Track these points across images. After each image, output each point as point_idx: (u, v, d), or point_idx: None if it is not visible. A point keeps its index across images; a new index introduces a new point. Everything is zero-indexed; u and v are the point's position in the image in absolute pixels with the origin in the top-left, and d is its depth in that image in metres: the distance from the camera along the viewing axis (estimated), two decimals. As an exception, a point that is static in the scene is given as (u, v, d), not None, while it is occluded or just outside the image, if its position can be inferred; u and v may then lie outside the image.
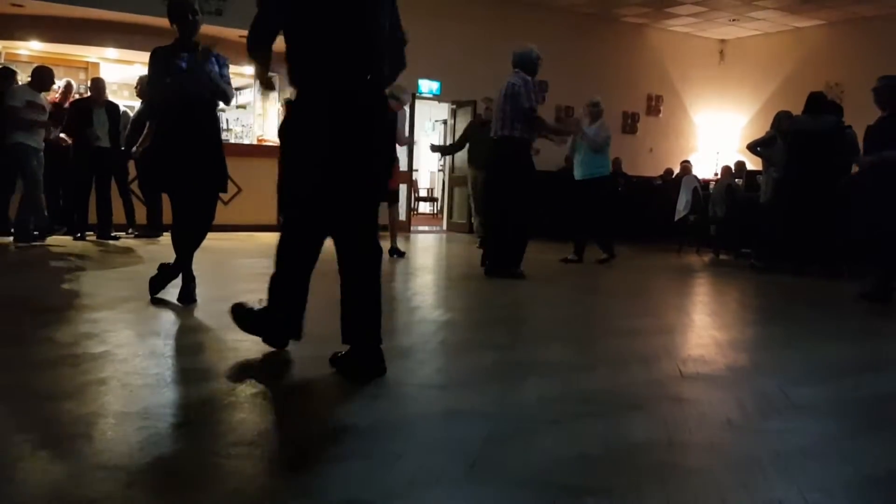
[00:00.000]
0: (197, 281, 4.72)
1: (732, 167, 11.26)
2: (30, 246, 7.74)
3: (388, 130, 3.43)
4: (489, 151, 6.90)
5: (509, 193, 6.55)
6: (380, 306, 3.23)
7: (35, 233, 7.97)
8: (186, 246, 4.69)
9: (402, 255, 8.09)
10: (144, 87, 8.88)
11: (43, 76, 8.12)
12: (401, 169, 8.75)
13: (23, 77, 8.98)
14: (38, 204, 7.89)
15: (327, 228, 3.20)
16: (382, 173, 3.41)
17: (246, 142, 12.40)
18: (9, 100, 7.73)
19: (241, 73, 11.74)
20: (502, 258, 6.60)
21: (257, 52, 3.25)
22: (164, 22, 9.61)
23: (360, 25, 3.09)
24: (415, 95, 12.08)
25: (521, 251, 6.67)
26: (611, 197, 8.72)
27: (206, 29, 10.09)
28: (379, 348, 3.17)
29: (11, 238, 7.96)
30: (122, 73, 10.97)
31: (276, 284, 3.29)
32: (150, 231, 9.08)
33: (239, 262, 7.29)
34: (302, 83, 3.12)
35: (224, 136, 12.90)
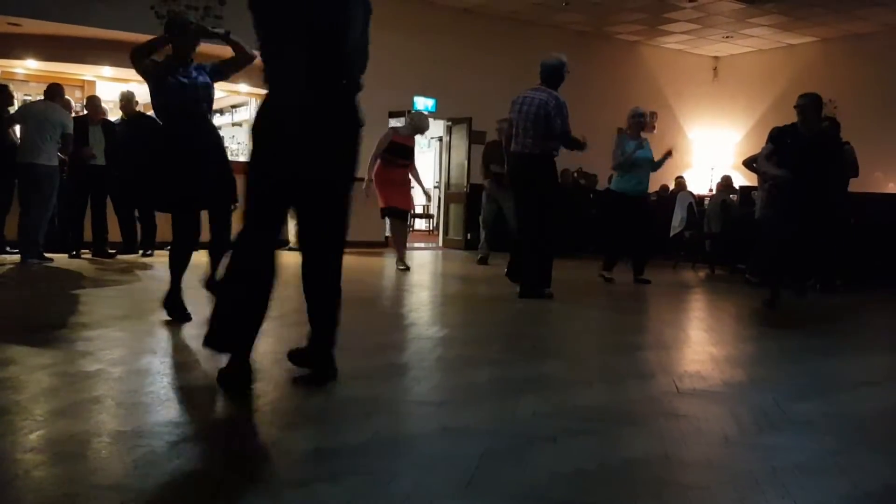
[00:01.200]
0: (191, 298, 4.70)
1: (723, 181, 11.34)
2: (41, 263, 7.73)
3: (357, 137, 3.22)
4: (517, 167, 6.60)
5: (544, 211, 6.40)
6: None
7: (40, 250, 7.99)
8: (184, 264, 4.67)
9: (407, 268, 8.43)
10: (128, 103, 8.89)
11: (62, 94, 8.28)
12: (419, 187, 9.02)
13: (18, 94, 9.02)
14: (43, 227, 7.95)
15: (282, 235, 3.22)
16: (350, 177, 3.27)
17: (242, 159, 12.41)
18: (68, 128, 7.95)
19: (237, 91, 11.79)
20: (538, 278, 6.44)
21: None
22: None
23: (333, 29, 3.06)
24: (410, 112, 12.13)
25: (550, 270, 6.54)
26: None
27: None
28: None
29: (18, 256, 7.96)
30: (117, 91, 10.97)
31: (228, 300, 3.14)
32: (148, 247, 9.09)
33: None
34: (274, 85, 3.09)
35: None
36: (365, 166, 8.50)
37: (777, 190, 6.57)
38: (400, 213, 8.62)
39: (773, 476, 2.30)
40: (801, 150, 6.19)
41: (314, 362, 3.27)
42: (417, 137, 9.06)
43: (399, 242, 8.66)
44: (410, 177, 8.72)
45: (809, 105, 6.26)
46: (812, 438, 2.74)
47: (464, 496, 2.07)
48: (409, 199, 8.82)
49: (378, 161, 8.23)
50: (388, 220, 9.06)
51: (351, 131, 3.16)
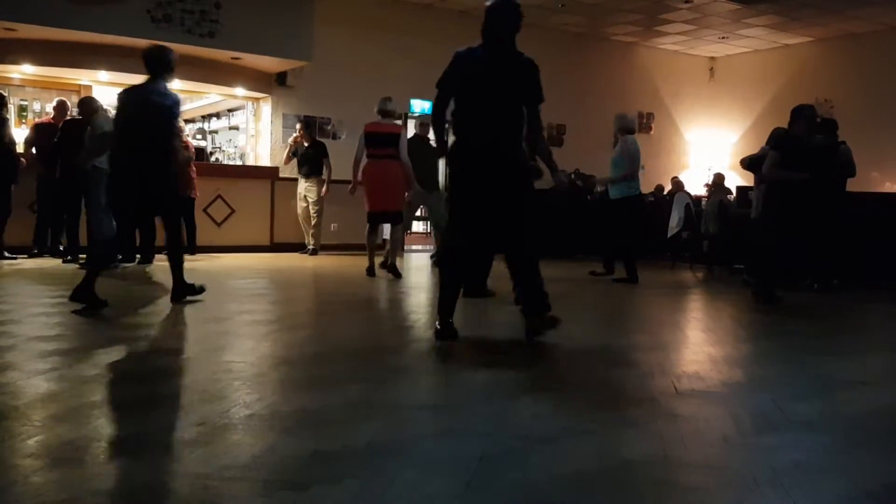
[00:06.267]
0: (191, 301, 4.70)
1: (711, 178, 11.41)
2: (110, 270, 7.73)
3: (522, 169, 4.46)
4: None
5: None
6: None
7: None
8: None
9: (399, 275, 8.04)
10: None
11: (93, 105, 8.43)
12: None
13: (15, 99, 9.01)
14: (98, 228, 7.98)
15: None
16: (524, 199, 4.41)
17: (238, 163, 12.41)
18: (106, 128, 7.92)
19: (234, 95, 11.79)
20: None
21: (437, 123, 4.59)
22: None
23: (497, 99, 4.39)
24: (407, 115, 12.11)
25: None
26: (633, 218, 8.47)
27: (198, 51, 10.17)
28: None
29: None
30: (114, 95, 10.99)
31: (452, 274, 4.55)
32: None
33: (232, 283, 7.28)
34: (458, 136, 4.45)
35: (216, 156, 12.94)
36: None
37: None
38: (389, 217, 8.06)
39: (773, 476, 2.30)
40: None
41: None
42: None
43: (393, 247, 8.21)
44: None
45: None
46: (811, 438, 2.74)
47: (463, 498, 2.07)
48: (400, 198, 8.08)
49: (365, 160, 7.87)
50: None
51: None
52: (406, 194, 8.29)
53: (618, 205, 8.31)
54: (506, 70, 4.46)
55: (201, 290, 5.65)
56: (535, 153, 4.86)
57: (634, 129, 8.60)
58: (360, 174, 8.02)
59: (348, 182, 8.46)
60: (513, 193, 4.35)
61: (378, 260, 8.24)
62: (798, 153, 6.53)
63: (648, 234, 11.57)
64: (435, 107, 4.59)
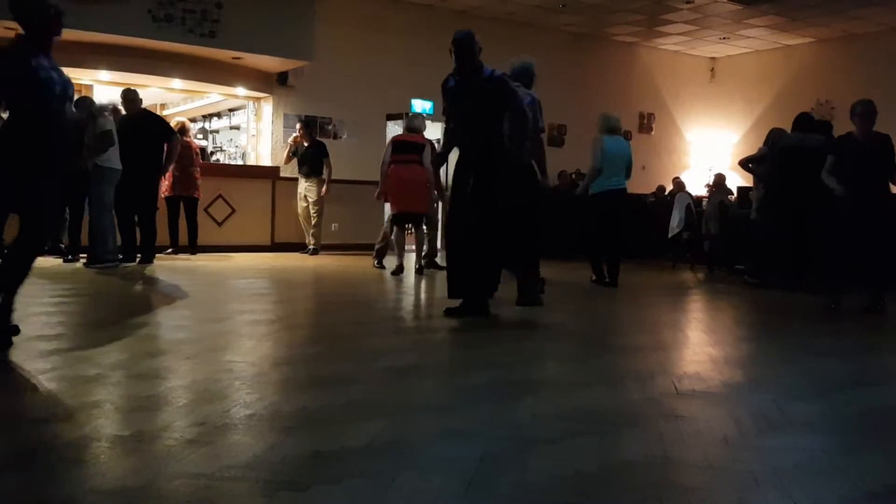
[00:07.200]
0: (191, 301, 4.70)
1: (712, 178, 11.39)
2: (105, 269, 7.75)
3: (504, 173, 5.20)
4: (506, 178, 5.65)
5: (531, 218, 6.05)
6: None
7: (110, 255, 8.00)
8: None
9: (440, 267, 8.35)
10: (132, 102, 8.88)
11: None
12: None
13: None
14: (95, 231, 8.00)
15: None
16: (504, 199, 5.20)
17: (239, 162, 12.41)
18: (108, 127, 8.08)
19: (235, 94, 11.79)
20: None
21: (444, 146, 5.67)
22: (158, 44, 9.60)
23: (478, 121, 5.20)
24: (407, 115, 12.11)
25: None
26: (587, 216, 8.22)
27: (199, 51, 10.16)
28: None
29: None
30: (115, 95, 10.99)
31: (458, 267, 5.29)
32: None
33: (233, 282, 7.27)
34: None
35: (217, 156, 12.93)
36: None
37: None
38: (412, 218, 8.40)
39: (773, 477, 2.30)
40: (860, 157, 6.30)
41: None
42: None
43: (420, 246, 8.55)
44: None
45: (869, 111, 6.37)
46: (811, 439, 2.74)
47: (463, 498, 2.07)
48: (423, 200, 8.31)
49: (391, 166, 8.14)
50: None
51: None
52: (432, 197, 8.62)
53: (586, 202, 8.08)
54: (473, 91, 5.15)
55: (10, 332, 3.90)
56: (522, 155, 5.42)
57: (615, 127, 8.12)
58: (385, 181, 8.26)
59: (349, 182, 8.54)
60: (482, 196, 5.11)
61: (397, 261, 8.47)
62: (855, 154, 6.45)
63: (650, 235, 11.60)
64: (444, 132, 5.56)
